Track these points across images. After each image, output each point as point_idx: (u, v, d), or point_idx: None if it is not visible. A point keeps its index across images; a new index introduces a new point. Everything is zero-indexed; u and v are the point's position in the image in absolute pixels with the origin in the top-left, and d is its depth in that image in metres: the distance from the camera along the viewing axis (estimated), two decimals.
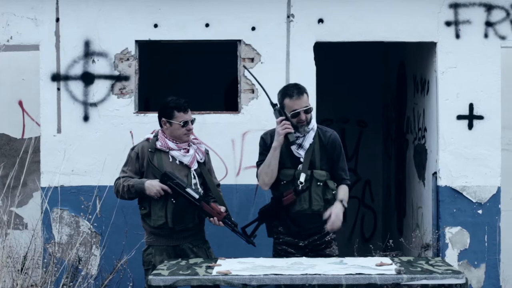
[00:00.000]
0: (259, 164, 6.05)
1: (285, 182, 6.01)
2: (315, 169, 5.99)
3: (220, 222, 6.05)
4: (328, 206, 5.95)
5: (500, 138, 7.43)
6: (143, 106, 8.25)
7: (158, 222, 6.04)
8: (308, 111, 5.95)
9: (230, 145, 7.29)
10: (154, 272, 5.32)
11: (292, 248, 6.07)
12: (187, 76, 10.09)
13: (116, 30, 7.33)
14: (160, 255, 6.06)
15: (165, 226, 6.05)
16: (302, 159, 6.00)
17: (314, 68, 7.32)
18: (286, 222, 6.06)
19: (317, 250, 6.05)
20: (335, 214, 5.89)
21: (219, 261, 5.65)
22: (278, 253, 6.08)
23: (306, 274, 5.20)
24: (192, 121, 6.14)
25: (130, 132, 7.29)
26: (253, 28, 7.34)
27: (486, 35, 7.40)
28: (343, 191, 6.04)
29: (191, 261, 5.71)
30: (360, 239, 9.94)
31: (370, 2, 7.36)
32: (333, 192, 6.01)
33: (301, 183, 5.94)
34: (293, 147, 5.98)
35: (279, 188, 6.03)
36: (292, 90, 6.00)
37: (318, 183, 5.97)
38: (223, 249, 6.38)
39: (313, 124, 6.06)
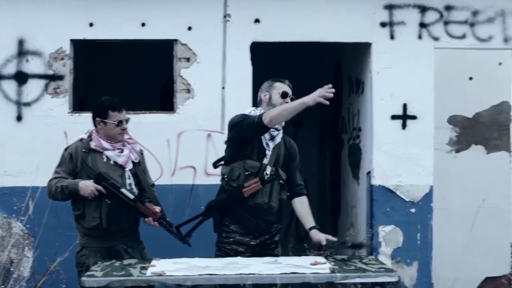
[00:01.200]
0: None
1: (249, 173, 6.00)
2: (279, 167, 6.05)
3: (155, 222, 6.02)
4: (281, 203, 6.05)
5: (433, 138, 7.53)
6: (78, 106, 8.17)
7: (92, 223, 5.99)
8: (292, 99, 6.04)
9: (166, 145, 7.27)
10: (88, 273, 5.27)
11: (242, 247, 6.05)
12: (123, 75, 10.02)
13: (51, 29, 7.26)
14: (94, 257, 6.00)
15: (99, 227, 5.99)
16: (268, 152, 6.03)
17: (250, 68, 7.34)
18: (242, 216, 6.05)
19: (267, 250, 6.08)
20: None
21: (153, 262, 5.62)
22: (226, 253, 6.05)
23: (241, 274, 5.21)
24: (127, 121, 6.10)
25: (64, 132, 7.22)
26: (190, 28, 7.34)
27: (420, 36, 7.50)
28: (308, 208, 6.15)
29: (125, 262, 5.67)
30: (295, 238, 9.98)
31: (307, 3, 7.40)
32: (288, 194, 6.08)
33: (266, 174, 5.97)
34: (266, 136, 6.01)
35: (239, 180, 6.02)
36: (283, 79, 6.17)
37: (280, 181, 6.04)
38: (158, 249, 6.35)
39: (282, 124, 6.10)
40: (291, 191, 6.13)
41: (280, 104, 6.00)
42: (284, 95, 6.07)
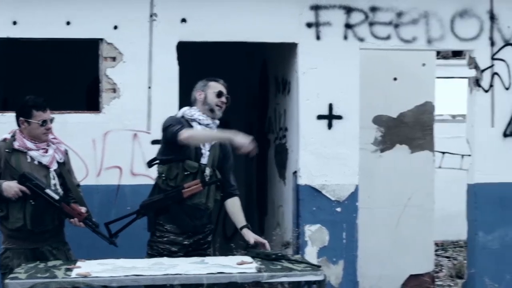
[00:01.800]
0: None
1: (188, 173, 5.99)
2: (215, 168, 6.07)
3: (81, 223, 5.96)
4: (215, 205, 6.07)
5: (358, 137, 7.61)
6: (1, 105, 8.05)
7: (16, 224, 5.89)
8: (227, 98, 6.16)
9: (91, 145, 7.19)
10: (11, 275, 5.19)
11: (175, 246, 6.03)
12: (48, 75, 9.89)
13: None
14: (18, 259, 5.90)
15: (23, 229, 5.90)
16: (204, 152, 6.04)
17: (177, 67, 7.32)
18: (179, 216, 6.02)
19: (199, 250, 6.07)
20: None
21: (78, 263, 5.56)
22: (159, 252, 6.01)
23: (168, 274, 5.20)
24: (51, 120, 6.03)
25: None
26: (115, 27, 7.28)
27: (345, 37, 7.57)
28: (240, 208, 6.19)
29: (50, 263, 5.60)
30: (221, 238, 9.98)
31: (233, 3, 7.41)
32: (221, 195, 6.09)
33: (206, 176, 5.98)
34: None
35: (177, 180, 6.00)
36: (218, 78, 6.23)
37: (218, 183, 6.05)
38: (83, 250, 6.29)
39: (217, 123, 6.14)
40: (225, 191, 6.15)
41: (216, 104, 6.09)
42: (219, 94, 6.12)
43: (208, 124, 6.08)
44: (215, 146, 6.10)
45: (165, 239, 6.04)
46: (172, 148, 5.96)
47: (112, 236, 6.05)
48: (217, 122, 6.12)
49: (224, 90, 6.18)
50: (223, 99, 6.15)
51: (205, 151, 6.06)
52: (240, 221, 6.17)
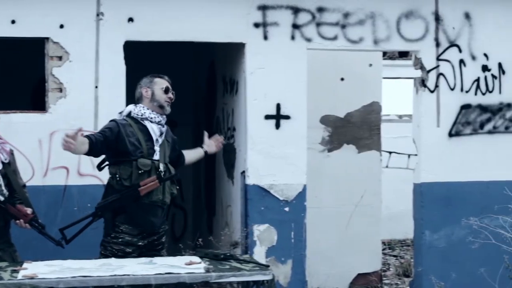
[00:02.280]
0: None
1: (142, 171, 6.00)
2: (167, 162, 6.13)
3: (27, 224, 5.90)
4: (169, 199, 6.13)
5: (306, 137, 7.64)
6: None
7: None
8: (173, 93, 6.28)
9: (37, 145, 7.10)
10: None
11: (130, 247, 6.02)
12: None
13: None
14: None
15: None
16: (156, 148, 6.09)
17: (124, 67, 7.27)
18: (138, 215, 6.01)
19: (153, 250, 6.07)
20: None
21: (25, 265, 5.51)
22: (113, 253, 6.00)
23: (115, 275, 5.18)
24: None
25: None
26: (62, 26, 7.20)
27: (293, 37, 7.59)
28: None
29: None
30: (170, 238, 9.95)
31: (181, 3, 7.39)
32: (177, 187, 6.18)
33: (161, 172, 6.00)
34: (156, 132, 6.15)
35: (132, 179, 5.98)
36: (162, 75, 6.36)
37: (173, 178, 6.12)
38: (30, 251, 6.23)
39: (164, 119, 6.22)
40: (180, 159, 6.47)
41: (165, 100, 6.23)
42: (166, 90, 6.22)
43: (159, 121, 6.13)
44: (164, 142, 6.11)
45: (120, 240, 6.02)
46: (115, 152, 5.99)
47: (68, 242, 5.99)
48: (165, 118, 6.20)
49: (169, 86, 6.27)
50: (170, 94, 6.26)
51: (156, 147, 6.06)
52: (195, 150, 6.60)
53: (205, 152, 6.64)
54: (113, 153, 6.03)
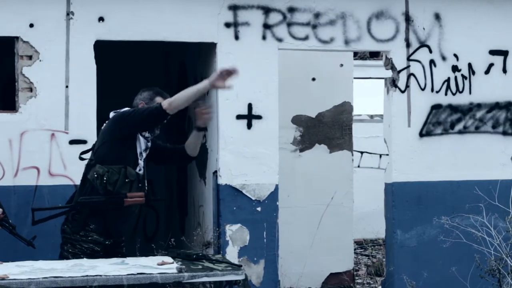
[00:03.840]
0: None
1: (128, 180, 5.99)
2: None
3: None
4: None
5: (277, 137, 7.64)
6: None
7: None
8: None
9: (8, 145, 7.04)
10: None
11: (98, 246, 6.01)
12: None
13: None
14: None
15: None
16: (140, 162, 6.08)
17: (94, 66, 7.23)
18: (111, 220, 6.01)
19: (118, 248, 6.08)
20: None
21: None
22: (82, 251, 5.97)
23: (87, 275, 5.16)
24: None
25: None
26: (31, 25, 7.15)
27: (264, 37, 7.59)
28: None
29: None
30: (142, 238, 9.91)
31: (151, 2, 7.36)
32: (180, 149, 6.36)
33: (146, 187, 6.09)
34: (142, 145, 6.11)
35: (116, 186, 5.96)
36: (164, 92, 6.31)
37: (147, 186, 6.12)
38: (0, 252, 6.17)
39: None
40: (177, 149, 6.44)
41: None
42: None
43: (147, 137, 6.10)
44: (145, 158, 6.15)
45: (90, 238, 6.01)
46: (118, 148, 5.96)
47: (35, 223, 5.93)
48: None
49: None
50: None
51: (140, 161, 6.04)
52: (192, 135, 6.42)
53: (199, 129, 6.39)
54: (118, 144, 5.97)
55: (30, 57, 7.14)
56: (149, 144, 6.19)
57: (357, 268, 10.46)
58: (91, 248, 5.98)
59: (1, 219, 5.87)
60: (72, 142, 7.03)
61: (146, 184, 6.11)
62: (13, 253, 6.18)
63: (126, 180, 5.97)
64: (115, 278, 5.16)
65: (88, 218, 5.99)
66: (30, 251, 5.98)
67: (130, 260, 5.69)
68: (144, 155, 6.14)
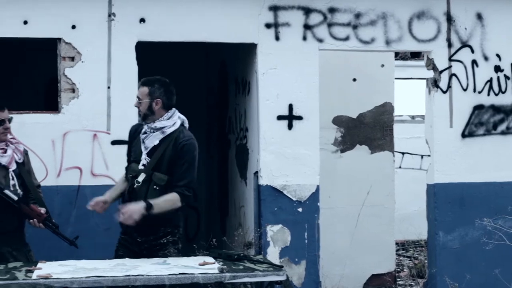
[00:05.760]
0: None
1: (131, 176, 6.03)
2: (159, 172, 5.96)
3: (41, 224, 5.91)
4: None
5: (318, 138, 7.62)
6: None
7: None
8: (139, 103, 6.06)
9: (50, 146, 7.11)
10: None
11: (132, 240, 6.06)
12: (5, 75, 9.78)
13: None
14: None
15: None
16: (143, 157, 6.02)
17: (136, 67, 7.27)
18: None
19: (152, 251, 6.03)
20: (128, 209, 5.77)
21: (39, 265, 5.51)
22: (123, 242, 6.07)
23: (129, 275, 5.17)
24: (9, 120, 5.97)
25: None
26: (74, 27, 7.21)
27: (304, 38, 7.58)
28: (164, 197, 5.92)
29: (10, 265, 5.53)
30: (183, 239, 9.93)
31: (191, 3, 7.38)
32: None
33: (138, 182, 5.96)
34: (142, 137, 6.06)
35: (129, 182, 6.07)
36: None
37: (155, 187, 5.95)
38: (44, 251, 6.23)
39: (163, 124, 6.05)
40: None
41: None
42: None
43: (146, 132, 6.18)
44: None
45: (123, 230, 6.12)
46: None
47: (74, 239, 5.97)
48: (152, 126, 6.13)
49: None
50: (135, 103, 6.23)
51: (145, 157, 6.03)
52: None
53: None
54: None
55: (72, 58, 7.19)
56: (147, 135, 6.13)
57: (399, 269, 10.40)
58: (124, 245, 6.14)
59: (45, 219, 5.92)
60: (114, 142, 7.08)
61: (141, 178, 5.99)
62: (57, 252, 6.22)
63: (130, 176, 6.09)
64: (157, 278, 5.18)
65: None
66: (73, 251, 6.02)
67: (171, 260, 5.70)
68: (145, 150, 6.08)
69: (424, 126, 8.08)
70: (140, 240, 6.04)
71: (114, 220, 6.02)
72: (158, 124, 6.04)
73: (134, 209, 5.76)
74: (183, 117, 6.22)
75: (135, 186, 5.96)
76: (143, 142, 6.05)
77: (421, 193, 8.09)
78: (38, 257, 6.02)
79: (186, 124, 6.21)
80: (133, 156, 6.10)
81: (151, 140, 6.04)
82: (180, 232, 6.18)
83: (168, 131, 6.05)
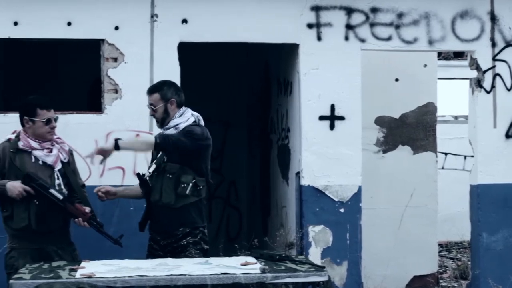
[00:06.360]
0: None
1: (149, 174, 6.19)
2: (171, 163, 6.08)
3: (85, 223, 5.96)
4: (181, 200, 6.03)
5: (360, 138, 7.59)
6: (3, 106, 8.03)
7: (21, 224, 5.88)
8: (154, 110, 6.20)
9: (94, 146, 7.13)
10: (15, 276, 5.19)
11: (156, 245, 6.14)
12: (50, 75, 9.88)
13: None
14: (23, 259, 5.88)
15: (28, 228, 5.89)
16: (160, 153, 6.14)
17: (178, 68, 7.31)
18: (153, 215, 6.14)
19: (174, 253, 6.06)
20: (99, 147, 6.06)
21: (83, 264, 5.56)
22: (149, 248, 6.17)
23: (171, 275, 5.19)
24: (56, 119, 6.03)
25: None
26: (117, 28, 7.26)
27: (346, 38, 7.56)
28: (137, 138, 6.48)
29: (54, 264, 5.59)
30: (225, 239, 9.97)
31: (234, 3, 7.40)
32: (184, 186, 6.03)
33: (149, 173, 6.12)
34: None
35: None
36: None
37: (169, 175, 6.05)
38: (87, 250, 6.27)
39: (176, 122, 6.15)
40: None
41: None
42: None
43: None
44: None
45: (150, 236, 6.21)
46: None
47: (120, 237, 6.02)
48: (165, 125, 6.24)
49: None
50: (150, 112, 6.40)
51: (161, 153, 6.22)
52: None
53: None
54: None
55: (115, 59, 7.25)
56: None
57: (441, 270, 10.33)
58: (151, 246, 6.23)
59: (89, 218, 5.97)
60: None
61: (151, 170, 6.20)
62: (100, 251, 6.27)
63: None
64: (199, 277, 5.19)
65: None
66: (116, 250, 6.06)
67: (213, 260, 5.72)
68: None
69: (468, 127, 8.02)
70: (163, 244, 6.11)
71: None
72: (171, 123, 6.18)
73: (106, 146, 6.05)
74: (196, 114, 6.31)
75: (145, 177, 6.14)
76: None
77: (464, 194, 8.03)
78: (82, 256, 6.07)
79: (202, 122, 6.31)
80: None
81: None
82: (202, 232, 6.19)
83: (182, 126, 6.16)
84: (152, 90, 6.25)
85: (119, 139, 6.00)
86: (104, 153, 5.98)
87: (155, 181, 6.12)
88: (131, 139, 6.24)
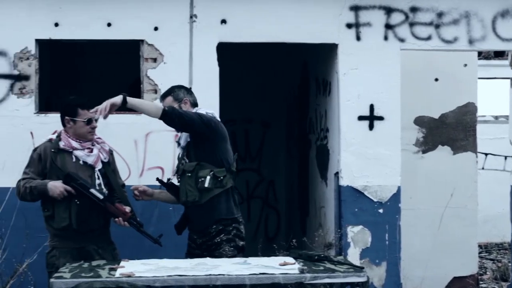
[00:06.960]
0: None
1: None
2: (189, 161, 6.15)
3: (125, 223, 6.00)
4: (205, 195, 6.04)
5: (399, 138, 7.55)
6: (44, 106, 8.10)
7: (62, 223, 5.94)
8: None
9: (133, 146, 7.21)
10: (56, 275, 5.24)
11: (194, 244, 6.19)
12: (89, 76, 9.95)
13: (16, 29, 7.18)
14: (64, 258, 5.95)
15: (69, 228, 5.95)
16: (181, 155, 6.24)
17: (217, 68, 7.32)
18: (188, 215, 6.22)
19: (209, 251, 6.09)
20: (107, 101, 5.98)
21: (122, 263, 5.60)
22: (188, 247, 6.23)
23: (210, 274, 5.21)
24: (96, 119, 6.08)
25: (31, 132, 7.14)
26: (156, 28, 7.30)
27: (386, 38, 7.52)
28: (147, 101, 6.46)
29: (94, 263, 5.64)
30: (264, 239, 9.98)
31: (272, 4, 7.40)
32: (202, 179, 6.05)
33: (175, 176, 6.24)
34: (177, 139, 6.37)
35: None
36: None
37: (188, 174, 6.08)
38: (127, 250, 6.32)
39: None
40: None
41: None
42: None
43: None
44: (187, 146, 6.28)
45: (189, 235, 6.27)
46: None
47: (159, 236, 6.06)
48: None
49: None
50: None
51: (182, 155, 6.31)
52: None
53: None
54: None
55: (154, 60, 7.28)
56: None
57: (481, 272, 10.25)
58: (189, 245, 6.27)
59: (129, 217, 6.01)
60: None
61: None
62: (139, 251, 6.32)
63: None
64: (238, 277, 5.20)
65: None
66: (155, 250, 6.10)
67: (252, 260, 5.72)
68: (179, 150, 6.37)
69: (508, 127, 7.95)
70: (199, 242, 6.14)
71: None
72: None
73: (112, 100, 5.98)
74: (211, 111, 6.32)
75: (170, 181, 6.29)
76: (179, 144, 6.29)
77: (505, 195, 7.96)
78: (122, 255, 6.11)
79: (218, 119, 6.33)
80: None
81: (185, 139, 6.23)
82: (237, 228, 6.18)
83: None
84: (164, 95, 6.34)
85: (126, 94, 6.01)
86: (112, 106, 5.94)
87: (180, 183, 6.18)
88: (140, 100, 6.30)
